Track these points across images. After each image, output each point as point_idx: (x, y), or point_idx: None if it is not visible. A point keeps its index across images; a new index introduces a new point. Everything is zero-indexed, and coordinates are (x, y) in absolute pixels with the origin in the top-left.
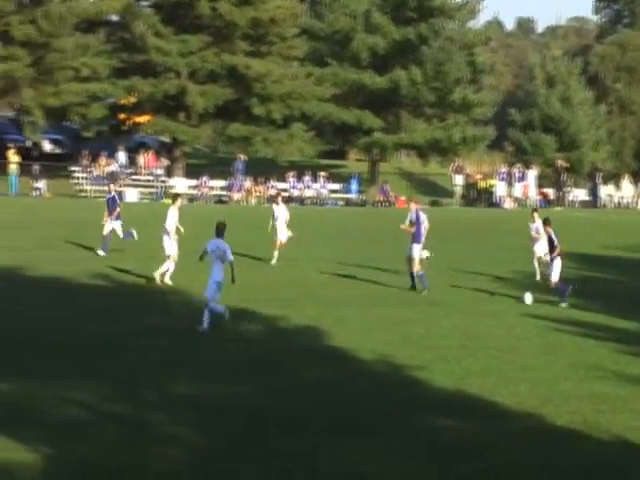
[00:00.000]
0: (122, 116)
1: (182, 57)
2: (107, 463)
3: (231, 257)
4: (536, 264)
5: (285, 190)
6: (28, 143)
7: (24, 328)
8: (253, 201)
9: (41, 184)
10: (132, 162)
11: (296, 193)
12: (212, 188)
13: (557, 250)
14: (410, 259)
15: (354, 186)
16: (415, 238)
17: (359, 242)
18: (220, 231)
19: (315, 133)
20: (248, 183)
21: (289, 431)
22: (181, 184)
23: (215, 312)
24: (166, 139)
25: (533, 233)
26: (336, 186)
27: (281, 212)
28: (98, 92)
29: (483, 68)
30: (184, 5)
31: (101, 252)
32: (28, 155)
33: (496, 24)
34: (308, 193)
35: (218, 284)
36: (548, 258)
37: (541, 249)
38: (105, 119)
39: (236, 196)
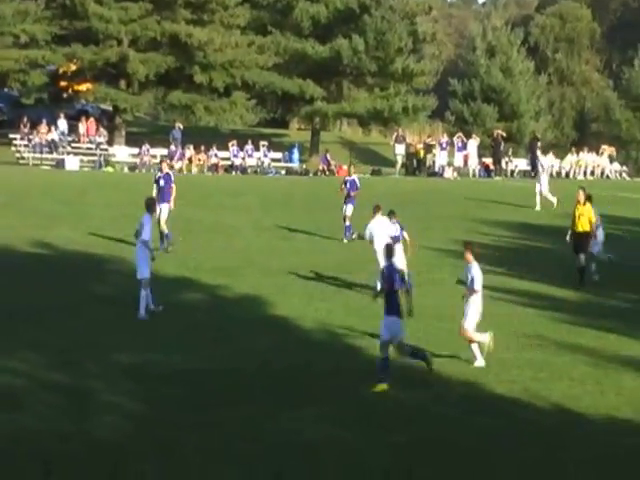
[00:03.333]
0: (62, 83)
1: (123, 24)
2: (43, 430)
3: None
4: None
5: (227, 159)
6: None
7: None
8: (195, 170)
9: None
10: (73, 130)
11: (238, 162)
12: (154, 157)
13: None
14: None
15: (295, 155)
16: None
17: (300, 211)
18: (147, 207)
19: (257, 102)
20: (189, 152)
21: (229, 399)
22: (122, 152)
23: None
24: (107, 107)
25: None
26: (278, 155)
27: None
28: (38, 59)
29: (424, 38)
30: None
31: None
32: None
33: None
34: (250, 162)
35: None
36: None
37: None
38: (45, 86)
39: (177, 165)
